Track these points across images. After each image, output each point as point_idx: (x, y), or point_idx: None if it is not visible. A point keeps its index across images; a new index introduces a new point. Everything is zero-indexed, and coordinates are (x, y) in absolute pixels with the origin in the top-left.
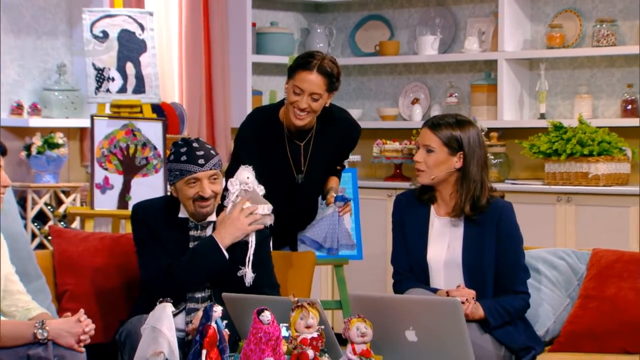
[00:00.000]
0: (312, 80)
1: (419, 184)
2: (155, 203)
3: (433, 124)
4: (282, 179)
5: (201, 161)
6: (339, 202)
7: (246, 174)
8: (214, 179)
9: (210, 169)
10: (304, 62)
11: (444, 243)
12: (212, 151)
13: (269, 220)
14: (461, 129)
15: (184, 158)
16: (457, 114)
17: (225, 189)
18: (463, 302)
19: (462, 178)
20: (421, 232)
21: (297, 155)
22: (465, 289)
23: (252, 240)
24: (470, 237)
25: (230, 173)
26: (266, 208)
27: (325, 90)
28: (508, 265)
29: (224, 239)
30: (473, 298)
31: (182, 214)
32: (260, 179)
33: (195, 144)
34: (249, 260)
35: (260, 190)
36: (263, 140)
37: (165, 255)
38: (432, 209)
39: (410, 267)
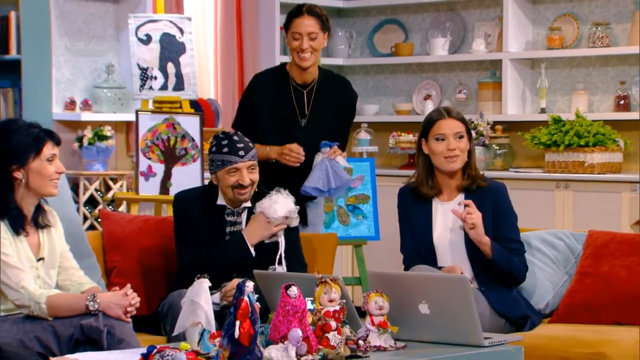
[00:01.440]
0: (306, 22)
1: (453, 169)
2: (196, 191)
3: (453, 113)
4: (288, 121)
5: (241, 153)
6: (323, 148)
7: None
8: (252, 169)
9: (249, 160)
10: (295, 11)
11: (448, 225)
12: (250, 144)
13: (295, 222)
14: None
15: (225, 150)
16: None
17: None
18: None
19: (470, 158)
20: (426, 219)
21: (301, 101)
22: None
23: (282, 241)
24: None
25: (239, 122)
26: (292, 210)
27: (320, 29)
28: (505, 240)
29: (252, 238)
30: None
31: (220, 200)
32: (269, 126)
33: (235, 137)
34: (280, 259)
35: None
36: (272, 86)
37: (201, 244)
38: (435, 197)
39: (418, 252)
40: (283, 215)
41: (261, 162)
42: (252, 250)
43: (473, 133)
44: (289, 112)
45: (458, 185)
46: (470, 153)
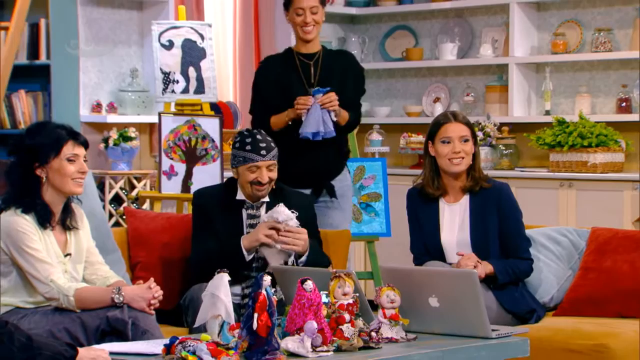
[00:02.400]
0: None
1: (458, 170)
2: (215, 188)
3: (459, 117)
4: (297, 92)
5: (263, 152)
6: (317, 94)
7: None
8: (272, 168)
9: (270, 160)
10: None
11: (454, 226)
12: (272, 144)
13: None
14: None
15: (248, 147)
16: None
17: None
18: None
19: (474, 161)
20: (434, 220)
21: (308, 72)
22: (467, 255)
23: (271, 263)
24: (476, 218)
25: (253, 106)
26: (290, 219)
27: (319, 3)
28: (512, 236)
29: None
30: (478, 261)
31: (239, 196)
32: (279, 99)
33: (259, 136)
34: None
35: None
36: (279, 63)
37: (214, 240)
38: (442, 198)
39: (427, 251)
40: (285, 214)
41: (281, 132)
42: (245, 253)
43: (480, 134)
44: (298, 84)
45: (462, 187)
46: (475, 156)
